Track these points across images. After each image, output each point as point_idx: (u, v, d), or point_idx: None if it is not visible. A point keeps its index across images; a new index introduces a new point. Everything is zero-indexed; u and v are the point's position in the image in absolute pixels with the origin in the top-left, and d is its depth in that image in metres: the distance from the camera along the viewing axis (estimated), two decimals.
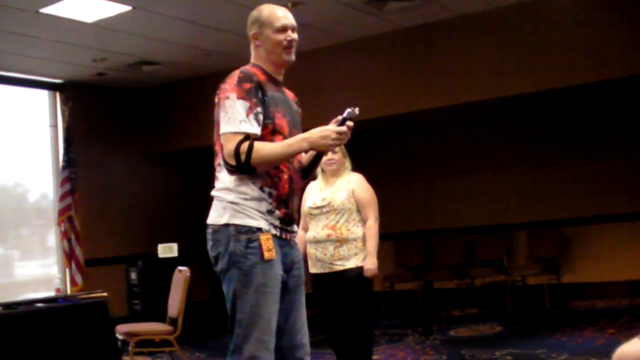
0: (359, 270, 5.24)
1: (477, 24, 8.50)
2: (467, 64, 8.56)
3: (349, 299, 5.23)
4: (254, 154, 3.08)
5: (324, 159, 5.21)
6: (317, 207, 5.28)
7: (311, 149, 3.17)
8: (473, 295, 10.02)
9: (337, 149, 5.19)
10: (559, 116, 9.86)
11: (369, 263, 5.25)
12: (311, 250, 5.30)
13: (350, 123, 3.15)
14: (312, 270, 5.31)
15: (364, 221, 5.33)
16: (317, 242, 5.24)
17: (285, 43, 3.30)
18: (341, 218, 5.26)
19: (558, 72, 8.03)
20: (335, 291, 5.25)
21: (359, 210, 5.32)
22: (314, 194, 5.39)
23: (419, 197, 10.92)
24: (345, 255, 5.23)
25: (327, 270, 5.24)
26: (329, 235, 5.23)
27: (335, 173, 5.43)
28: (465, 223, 10.44)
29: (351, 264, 5.24)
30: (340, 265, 5.22)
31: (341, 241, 5.23)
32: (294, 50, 3.35)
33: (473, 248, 10.32)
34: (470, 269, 10.14)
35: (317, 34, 8.41)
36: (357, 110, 3.15)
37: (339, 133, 3.12)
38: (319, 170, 5.39)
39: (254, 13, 3.40)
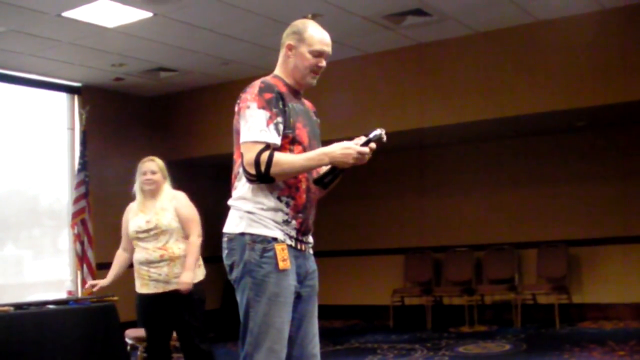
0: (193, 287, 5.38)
1: (488, 42, 8.54)
2: (480, 80, 8.59)
3: (191, 314, 5.41)
4: (274, 165, 3.09)
5: (143, 178, 5.53)
6: (144, 231, 5.41)
7: (331, 164, 3.17)
8: (482, 313, 10.00)
9: (156, 168, 5.55)
10: (576, 135, 9.85)
11: (185, 277, 5.33)
12: (143, 271, 5.41)
13: (373, 145, 3.14)
14: (143, 290, 5.45)
15: (186, 237, 5.44)
16: (149, 263, 5.36)
17: (314, 68, 3.32)
18: (170, 238, 5.39)
19: (578, 92, 8.06)
20: (172, 309, 5.39)
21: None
22: (135, 216, 5.53)
23: (427, 213, 10.91)
24: (179, 272, 5.35)
25: (161, 290, 5.36)
26: (162, 256, 5.37)
27: (154, 194, 5.60)
28: (474, 240, 10.42)
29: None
30: (176, 284, 5.34)
31: (174, 259, 5.35)
32: (318, 76, 3.37)
33: (481, 265, 10.29)
34: (479, 286, 10.12)
35: (334, 47, 8.38)
36: (384, 135, 3.14)
37: (361, 153, 3.12)
38: (137, 189, 5.65)
39: (299, 25, 3.38)
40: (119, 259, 5.68)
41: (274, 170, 3.10)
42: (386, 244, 11.12)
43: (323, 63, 3.35)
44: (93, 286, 5.60)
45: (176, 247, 5.39)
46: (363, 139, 3.17)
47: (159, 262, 5.35)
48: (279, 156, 3.12)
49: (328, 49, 3.37)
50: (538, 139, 10.09)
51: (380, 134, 3.15)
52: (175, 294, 5.36)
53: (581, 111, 8.36)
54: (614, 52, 7.89)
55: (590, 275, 9.74)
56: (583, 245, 9.74)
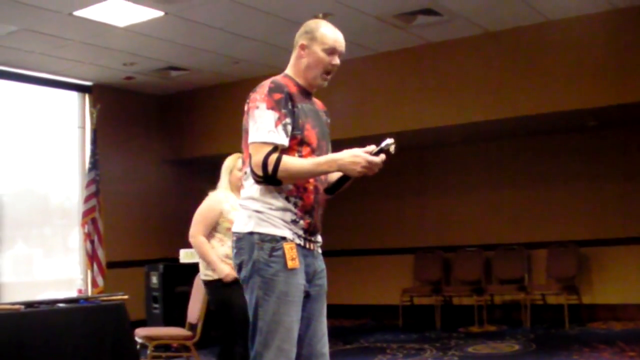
0: None
1: (499, 42, 8.52)
2: (491, 80, 8.58)
3: None
4: (282, 168, 3.09)
5: (239, 174, 5.33)
6: None
7: (339, 170, 3.16)
8: (492, 313, 9.98)
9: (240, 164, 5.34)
10: (588, 135, 9.81)
11: None
12: None
13: (383, 156, 3.11)
14: None
15: None
16: None
17: (328, 67, 3.31)
18: None
19: (587, 92, 8.03)
20: None
21: None
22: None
23: (437, 213, 10.89)
24: None
25: None
26: None
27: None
28: (484, 240, 10.40)
29: None
30: None
31: None
32: (330, 77, 3.36)
33: (491, 265, 10.27)
34: (488, 285, 10.10)
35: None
36: (393, 147, 3.10)
37: (371, 162, 3.10)
38: (225, 181, 5.53)
39: (311, 24, 3.38)
40: (209, 245, 5.43)
41: (281, 173, 3.10)
42: (396, 243, 11.10)
43: (337, 61, 3.34)
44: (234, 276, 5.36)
45: None
46: (374, 147, 3.13)
47: None
48: (287, 159, 3.11)
49: (341, 47, 3.35)
50: (551, 139, 10.05)
51: (390, 144, 3.11)
52: None
53: (590, 111, 8.33)
54: (621, 52, 7.86)
55: (600, 275, 9.70)
56: (593, 245, 9.70)
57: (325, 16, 7.29)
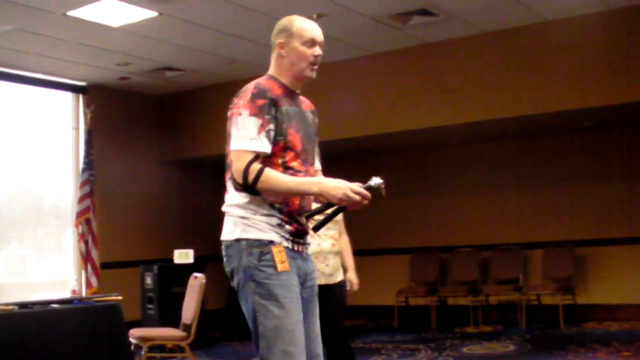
0: (343, 283, 5.31)
1: (495, 42, 8.52)
2: (486, 80, 8.57)
3: (341, 311, 5.27)
4: (262, 180, 3.05)
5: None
6: None
7: (319, 194, 3.10)
8: (487, 313, 9.98)
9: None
10: (583, 135, 9.81)
11: (355, 277, 5.33)
12: None
13: (369, 195, 3.08)
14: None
15: (339, 234, 5.38)
16: (319, 252, 5.13)
17: (311, 58, 3.27)
18: (337, 229, 5.31)
19: (584, 92, 8.03)
20: (327, 304, 5.00)
21: None
22: None
23: (433, 213, 10.89)
24: (339, 266, 5.26)
25: (324, 282, 5.01)
26: (333, 245, 5.24)
27: None
28: (480, 240, 10.40)
29: (341, 276, 5.30)
30: (334, 278, 5.22)
31: (338, 253, 5.27)
32: (316, 67, 3.32)
33: (487, 265, 10.27)
34: (484, 286, 10.10)
35: (339, 47, 8.43)
36: (383, 189, 3.09)
37: (354, 192, 3.05)
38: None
39: (284, 21, 3.35)
40: None
41: (260, 185, 3.06)
42: (392, 243, 11.10)
43: (319, 51, 3.30)
44: None
45: (343, 240, 5.36)
46: (359, 184, 3.10)
47: (328, 252, 5.19)
48: (269, 173, 3.07)
49: (320, 37, 3.31)
50: (545, 139, 10.06)
51: (380, 185, 3.09)
52: (331, 288, 5.15)
53: (587, 111, 8.33)
54: (621, 52, 7.86)
55: (595, 275, 9.71)
56: (589, 245, 9.71)
57: (320, 16, 7.28)
